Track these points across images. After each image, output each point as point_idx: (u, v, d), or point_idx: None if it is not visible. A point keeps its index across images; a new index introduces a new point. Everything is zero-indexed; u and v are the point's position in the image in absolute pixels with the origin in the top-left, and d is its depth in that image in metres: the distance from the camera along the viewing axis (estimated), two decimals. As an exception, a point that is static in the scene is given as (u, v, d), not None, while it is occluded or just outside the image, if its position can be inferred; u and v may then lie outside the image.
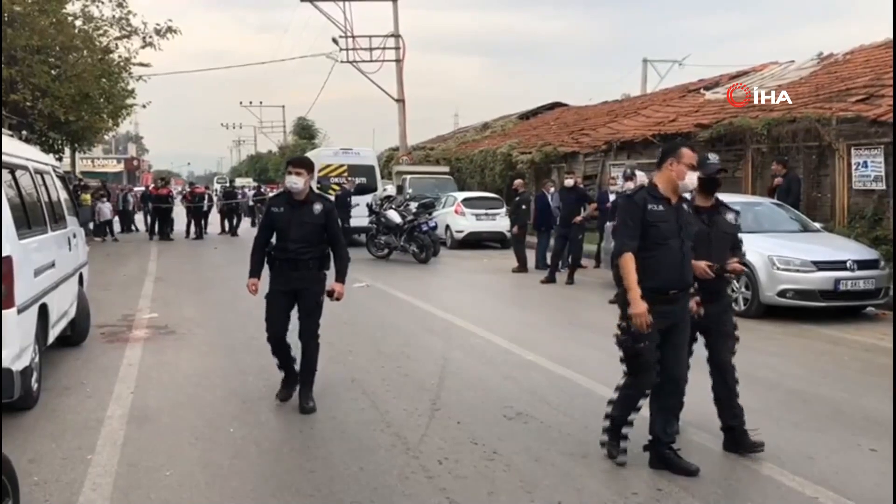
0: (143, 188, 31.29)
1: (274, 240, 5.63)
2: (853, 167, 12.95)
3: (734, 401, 4.68)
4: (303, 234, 5.49)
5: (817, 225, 10.96)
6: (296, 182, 5.44)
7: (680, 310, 4.36)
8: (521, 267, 14.30)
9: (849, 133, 13.09)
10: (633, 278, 4.16)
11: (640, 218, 4.20)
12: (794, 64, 20.22)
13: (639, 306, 4.13)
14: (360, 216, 18.45)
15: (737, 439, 4.62)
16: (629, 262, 4.19)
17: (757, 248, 9.34)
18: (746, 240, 9.43)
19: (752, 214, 10.69)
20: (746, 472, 4.37)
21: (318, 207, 5.51)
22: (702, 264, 4.48)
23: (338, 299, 5.63)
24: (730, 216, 4.79)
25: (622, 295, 4.29)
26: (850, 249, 9.72)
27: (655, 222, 4.21)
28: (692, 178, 4.26)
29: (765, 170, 14.65)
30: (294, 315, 5.65)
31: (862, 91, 14.18)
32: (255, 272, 5.66)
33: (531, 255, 15.06)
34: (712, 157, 4.75)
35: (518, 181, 16.40)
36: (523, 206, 14.85)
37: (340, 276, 5.72)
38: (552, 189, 15.34)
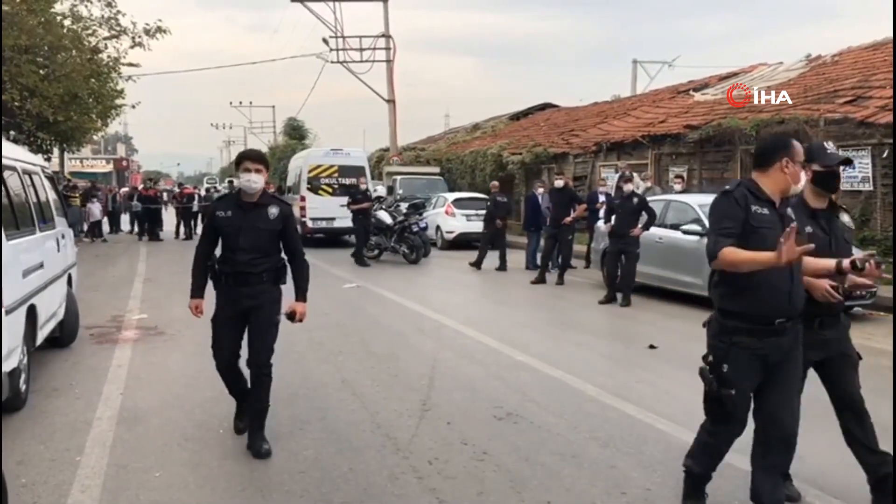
0: (127, 188, 31.11)
1: (219, 250, 4.85)
2: (841, 168, 12.99)
3: (874, 443, 3.84)
4: (255, 242, 4.66)
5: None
6: (254, 181, 4.62)
7: (788, 344, 3.47)
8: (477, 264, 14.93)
9: (836, 134, 13.16)
10: (750, 256, 3.24)
11: (742, 219, 3.35)
12: (783, 65, 20.35)
13: (785, 253, 3.08)
14: (350, 216, 18.46)
15: None
16: (735, 253, 3.27)
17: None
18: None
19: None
20: (735, 472, 4.39)
21: (273, 211, 4.68)
22: (822, 283, 3.60)
23: (300, 321, 4.82)
24: (846, 218, 4.03)
25: (714, 322, 3.57)
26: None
27: (759, 227, 3.34)
28: (803, 180, 3.56)
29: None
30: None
31: (850, 92, 14.28)
32: (197, 291, 4.91)
33: (521, 257, 15.14)
34: (831, 146, 3.93)
35: (494, 183, 16.91)
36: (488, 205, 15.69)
37: (301, 294, 4.84)
38: (541, 190, 15.40)
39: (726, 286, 3.44)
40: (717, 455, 3.72)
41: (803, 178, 3.54)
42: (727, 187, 3.54)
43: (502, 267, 14.66)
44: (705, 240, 10.69)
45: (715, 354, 3.54)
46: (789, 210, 3.54)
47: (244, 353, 4.82)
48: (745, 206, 3.37)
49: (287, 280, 4.82)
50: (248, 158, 4.71)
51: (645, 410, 5.51)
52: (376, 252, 16.71)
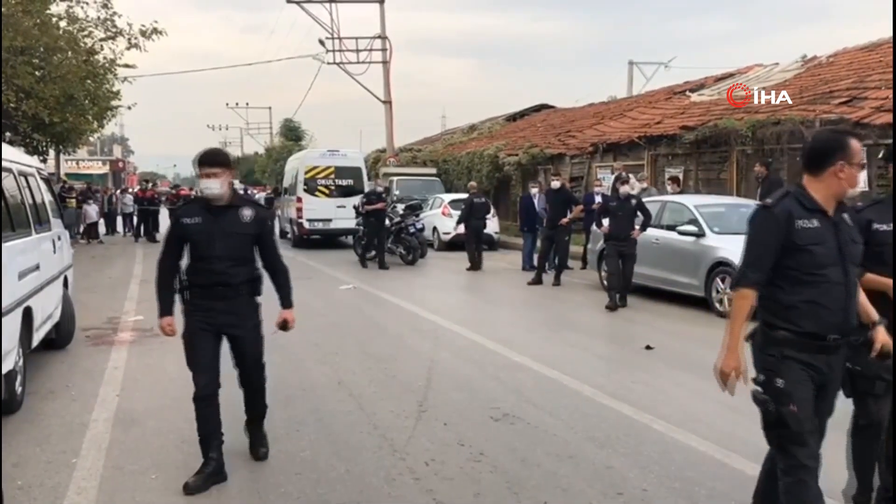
0: (120, 189, 31.10)
1: (186, 261, 4.41)
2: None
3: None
4: (230, 248, 4.25)
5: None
6: (212, 187, 4.20)
7: (836, 364, 3.17)
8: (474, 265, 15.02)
9: (832, 135, 13.19)
10: (738, 325, 3.11)
11: (781, 240, 3.04)
12: (779, 66, 20.38)
13: (730, 360, 3.13)
14: (347, 218, 18.48)
15: None
16: (743, 301, 3.10)
17: (741, 250, 9.40)
18: (732, 241, 9.65)
19: (737, 216, 10.77)
20: (731, 472, 4.40)
21: (247, 213, 4.30)
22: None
23: (291, 328, 4.57)
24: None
25: (760, 334, 3.18)
26: None
27: (807, 245, 3.03)
28: (863, 182, 3.22)
29: (749, 172, 14.75)
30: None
31: (845, 93, 14.31)
32: (167, 307, 4.48)
33: (518, 257, 15.16)
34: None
35: (472, 184, 17.07)
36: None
37: (287, 301, 4.54)
38: (535, 190, 15.43)
39: (773, 301, 3.13)
40: (808, 498, 3.07)
41: (862, 179, 3.17)
42: (768, 200, 3.17)
43: (475, 266, 14.99)
44: (701, 241, 10.79)
45: (765, 369, 3.11)
46: (846, 216, 3.19)
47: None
48: (788, 223, 3.03)
49: (262, 291, 4.49)
50: (203, 163, 4.24)
51: (641, 411, 5.51)
52: (373, 253, 16.71)
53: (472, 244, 15.20)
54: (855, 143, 3.10)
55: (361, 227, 16.96)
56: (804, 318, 3.05)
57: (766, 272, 3.09)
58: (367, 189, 18.24)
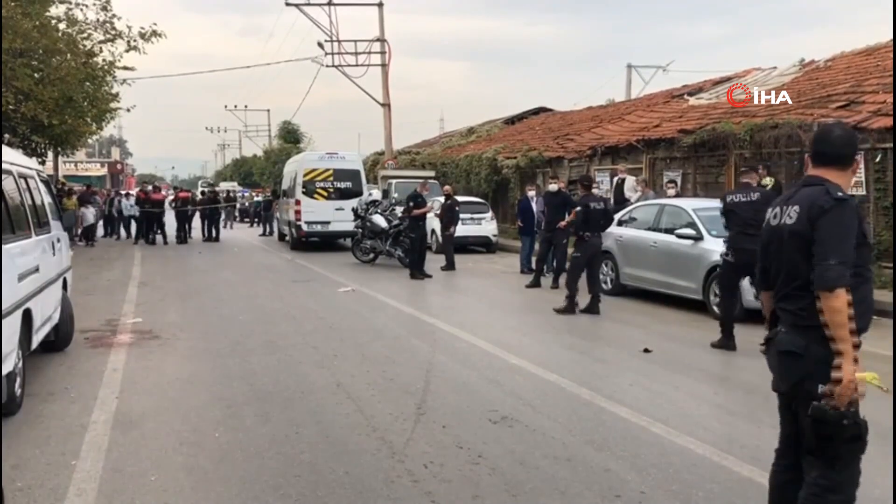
0: (125, 193, 31.15)
1: None
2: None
3: None
4: None
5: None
6: None
7: None
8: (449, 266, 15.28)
9: (830, 138, 13.22)
10: (851, 329, 2.83)
11: (857, 233, 2.93)
12: (777, 70, 20.43)
13: (852, 373, 2.82)
14: (345, 220, 18.49)
15: None
16: (847, 302, 2.83)
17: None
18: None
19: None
20: (728, 474, 4.42)
21: None
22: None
23: None
24: None
25: (815, 345, 2.94)
26: None
27: (867, 240, 3.00)
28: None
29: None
30: None
31: (843, 97, 14.35)
32: None
33: (516, 260, 15.18)
34: None
35: (447, 187, 17.13)
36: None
37: None
38: (532, 193, 15.45)
39: (858, 305, 2.89)
40: None
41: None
42: (840, 194, 2.96)
43: (449, 267, 15.18)
44: (699, 244, 10.74)
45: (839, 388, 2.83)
46: None
47: None
48: (859, 216, 2.95)
49: None
50: None
51: (639, 414, 5.53)
52: (371, 256, 16.74)
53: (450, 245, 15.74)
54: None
55: (360, 230, 16.98)
56: (860, 319, 2.89)
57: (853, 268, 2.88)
58: (366, 195, 18.16)
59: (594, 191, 10.99)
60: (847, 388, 2.81)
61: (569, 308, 10.04)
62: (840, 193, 2.94)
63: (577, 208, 10.65)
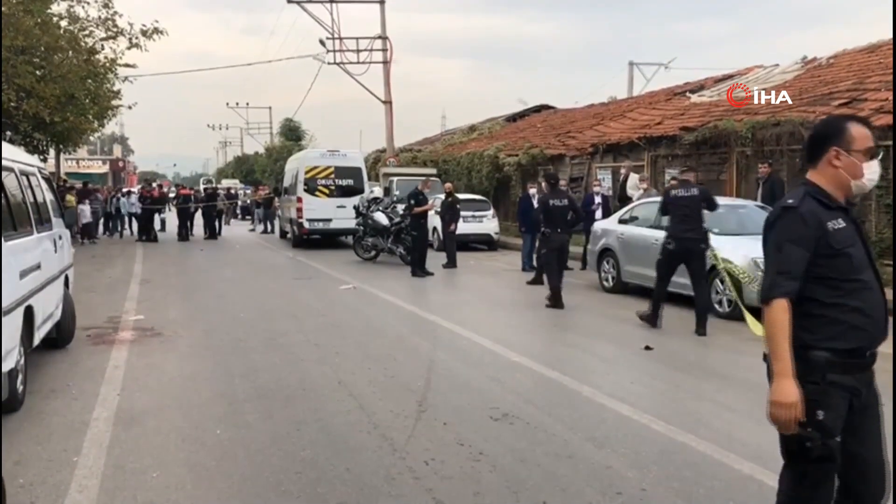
0: (126, 190, 31.24)
1: None
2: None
3: None
4: None
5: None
6: None
7: (871, 378, 2.83)
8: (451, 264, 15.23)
9: (832, 136, 13.20)
10: (783, 343, 2.66)
11: (812, 244, 2.71)
12: (779, 67, 20.41)
13: (787, 390, 2.65)
14: (347, 218, 18.48)
15: None
16: (782, 315, 2.67)
17: (741, 251, 9.45)
18: (731, 242, 9.68)
19: (736, 217, 10.81)
20: (729, 472, 4.42)
21: None
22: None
23: None
24: None
25: (793, 360, 2.72)
26: None
27: (845, 248, 2.72)
28: (872, 172, 2.84)
29: (749, 173, 14.78)
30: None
31: (845, 95, 14.33)
32: None
33: (517, 257, 15.18)
34: None
35: (448, 185, 17.09)
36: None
37: None
38: (533, 190, 15.45)
39: (808, 317, 2.73)
40: None
41: (872, 169, 2.83)
42: (790, 200, 2.80)
43: (450, 264, 15.15)
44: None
45: (807, 399, 2.67)
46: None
47: None
48: (819, 225, 2.70)
49: None
50: None
51: (640, 411, 5.53)
52: (373, 253, 16.73)
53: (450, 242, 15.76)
54: (855, 128, 2.80)
55: (361, 228, 16.96)
56: (848, 333, 2.69)
57: (798, 281, 2.70)
58: (368, 192, 18.09)
59: (600, 187, 11.13)
60: (782, 408, 2.65)
61: (556, 302, 10.29)
62: (789, 201, 2.79)
63: (537, 205, 11.17)
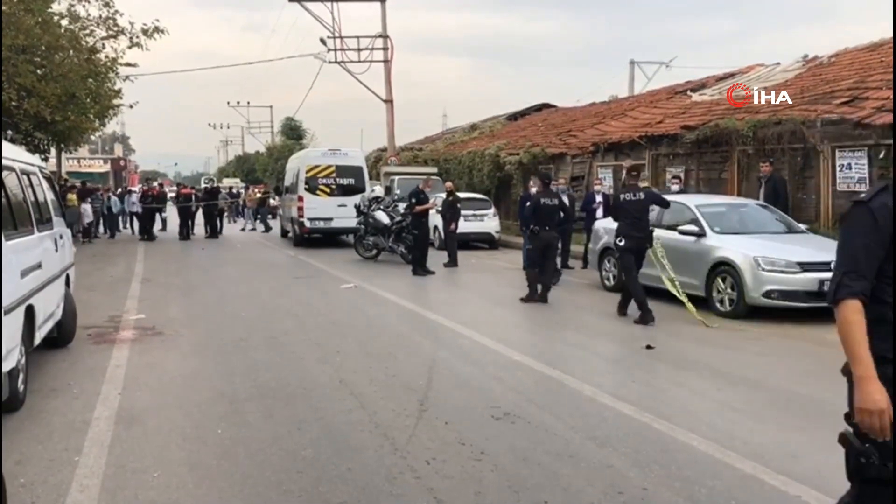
0: (126, 190, 31.25)
1: None
2: (837, 169, 13.08)
3: None
4: None
5: (802, 226, 11.05)
6: None
7: None
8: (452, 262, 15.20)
9: (833, 135, 13.20)
10: (859, 345, 2.43)
11: (885, 241, 2.49)
12: (780, 66, 20.37)
13: (873, 396, 2.38)
14: (348, 217, 18.47)
15: None
16: (855, 316, 2.46)
17: (742, 249, 9.46)
18: (732, 241, 9.67)
19: (737, 216, 10.81)
20: (730, 471, 4.41)
21: None
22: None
23: None
24: None
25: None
26: (834, 250, 9.79)
27: None
28: None
29: (750, 171, 14.77)
30: None
31: (846, 93, 14.31)
32: None
33: (518, 256, 15.17)
34: None
35: (449, 183, 17.09)
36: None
37: None
38: (534, 189, 15.42)
39: (885, 323, 2.49)
40: None
41: None
42: (862, 196, 2.61)
43: (451, 263, 15.14)
44: (702, 240, 10.89)
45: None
46: None
47: None
48: (888, 222, 2.48)
49: None
50: None
51: (642, 410, 5.52)
52: (374, 252, 16.73)
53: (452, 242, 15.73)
54: None
55: (362, 227, 16.95)
56: None
57: (868, 280, 2.49)
58: (369, 191, 18.04)
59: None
60: (870, 416, 2.39)
61: (531, 297, 10.69)
62: (862, 196, 2.61)
63: (528, 203, 11.58)
